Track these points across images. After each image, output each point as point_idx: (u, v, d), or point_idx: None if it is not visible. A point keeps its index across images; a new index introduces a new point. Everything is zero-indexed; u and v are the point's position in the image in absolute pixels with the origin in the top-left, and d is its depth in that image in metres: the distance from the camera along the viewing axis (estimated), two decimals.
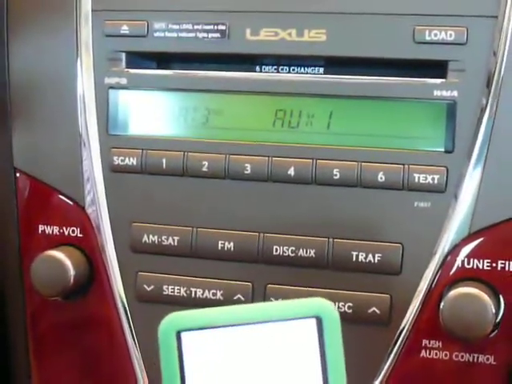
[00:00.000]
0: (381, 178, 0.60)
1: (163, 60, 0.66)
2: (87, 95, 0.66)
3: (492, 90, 0.57)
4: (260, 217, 0.64)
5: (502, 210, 0.58)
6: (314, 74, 0.64)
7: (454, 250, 0.59)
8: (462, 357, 0.59)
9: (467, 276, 0.58)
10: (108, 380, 0.69)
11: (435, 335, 0.60)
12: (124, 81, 0.65)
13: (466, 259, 0.59)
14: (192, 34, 0.64)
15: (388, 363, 0.61)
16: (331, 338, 0.46)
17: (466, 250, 0.59)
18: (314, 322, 0.46)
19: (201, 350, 0.47)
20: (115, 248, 0.66)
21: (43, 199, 0.68)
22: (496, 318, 0.57)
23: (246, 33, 0.63)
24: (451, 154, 0.59)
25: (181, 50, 0.65)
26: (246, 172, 0.63)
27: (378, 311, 0.61)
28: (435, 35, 0.58)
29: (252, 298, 0.64)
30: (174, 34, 0.64)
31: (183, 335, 0.46)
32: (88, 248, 0.66)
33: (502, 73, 0.57)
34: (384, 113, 0.61)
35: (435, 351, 0.60)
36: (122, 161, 0.65)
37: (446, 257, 0.59)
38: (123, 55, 0.65)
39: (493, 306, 0.56)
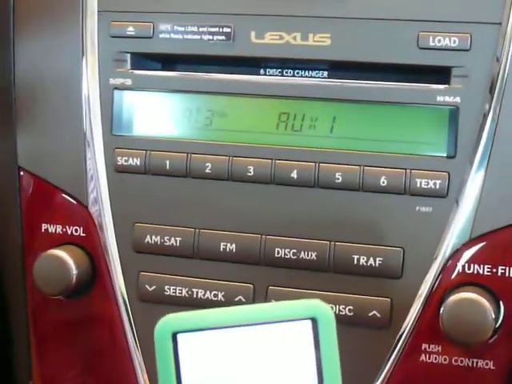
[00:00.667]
0: (383, 183, 0.60)
1: (168, 61, 0.66)
2: (92, 95, 0.66)
3: (495, 96, 0.57)
4: (262, 219, 0.64)
5: (503, 216, 0.58)
6: (318, 77, 0.64)
7: (455, 254, 0.59)
8: (462, 361, 0.59)
9: (467, 281, 0.59)
10: (108, 379, 0.69)
11: (435, 339, 0.60)
12: (129, 82, 0.66)
13: (466, 264, 0.59)
14: (197, 36, 0.64)
15: (388, 367, 0.62)
16: (326, 340, 0.47)
17: (467, 255, 0.59)
18: (309, 323, 0.46)
19: (197, 352, 0.47)
20: (118, 248, 0.66)
21: (47, 198, 0.68)
22: (496, 324, 0.57)
23: (251, 36, 0.63)
24: (453, 159, 0.59)
25: (186, 52, 0.65)
26: (248, 174, 0.63)
27: (378, 315, 0.61)
28: (439, 41, 0.59)
29: (253, 300, 0.64)
30: (180, 36, 0.64)
31: (179, 337, 0.46)
32: (91, 247, 0.67)
33: (505, 79, 0.58)
34: (387, 117, 0.61)
35: (435, 355, 0.60)
36: (125, 161, 0.66)
37: (447, 261, 0.59)
38: (128, 56, 0.66)
39: (492, 312, 0.56)
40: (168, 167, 0.64)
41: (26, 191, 0.69)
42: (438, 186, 0.59)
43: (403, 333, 0.61)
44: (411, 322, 0.60)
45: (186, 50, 0.65)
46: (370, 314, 0.61)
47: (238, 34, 0.63)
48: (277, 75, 0.65)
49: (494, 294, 0.58)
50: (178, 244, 0.65)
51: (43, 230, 0.68)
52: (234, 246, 0.64)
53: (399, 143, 0.61)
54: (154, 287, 0.66)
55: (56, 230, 0.68)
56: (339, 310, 0.61)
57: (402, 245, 0.60)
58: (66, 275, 0.65)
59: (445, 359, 0.60)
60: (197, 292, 0.65)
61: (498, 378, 0.59)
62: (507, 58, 0.58)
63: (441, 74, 0.59)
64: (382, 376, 0.61)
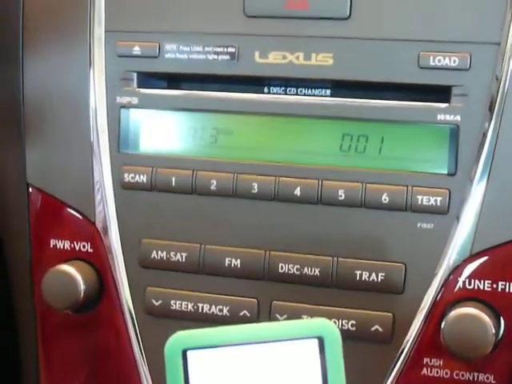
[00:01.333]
0: (385, 200, 0.60)
1: (174, 80, 0.66)
2: (99, 113, 0.66)
3: (494, 114, 0.58)
4: (266, 235, 0.64)
5: (504, 232, 0.58)
6: (321, 96, 0.64)
7: (456, 270, 0.59)
8: (463, 375, 0.60)
9: (468, 296, 0.59)
10: None
11: (436, 353, 0.60)
12: (135, 100, 0.66)
13: (467, 280, 0.59)
14: (202, 56, 0.64)
15: (390, 380, 0.62)
16: (333, 358, 0.47)
17: (468, 270, 0.59)
18: (315, 342, 0.47)
19: (206, 369, 0.47)
20: (125, 263, 0.67)
21: (55, 214, 0.69)
22: (496, 338, 0.57)
23: (255, 55, 0.63)
24: (454, 176, 0.59)
25: (191, 71, 0.65)
26: (253, 191, 0.63)
27: (380, 329, 0.61)
28: (439, 61, 0.59)
29: (258, 315, 0.64)
30: (185, 56, 0.64)
31: (189, 354, 0.47)
32: (98, 263, 0.67)
33: (504, 97, 0.58)
34: (388, 135, 0.62)
35: (436, 369, 0.60)
36: (132, 178, 0.66)
37: (448, 277, 0.60)
38: (135, 75, 0.66)
39: (493, 327, 0.56)
40: (174, 184, 0.65)
41: (35, 207, 0.69)
42: (438, 203, 0.59)
43: (405, 347, 0.61)
44: (413, 336, 0.61)
45: (192, 69, 0.65)
46: (373, 329, 0.61)
47: (242, 54, 0.63)
48: (280, 93, 0.65)
49: (495, 309, 0.58)
50: (183, 259, 0.65)
51: (51, 246, 0.68)
52: (238, 261, 0.64)
53: (400, 160, 0.62)
54: (160, 302, 0.66)
55: (64, 246, 0.68)
56: (342, 325, 0.62)
57: (404, 260, 0.61)
58: (74, 290, 0.65)
59: (446, 373, 0.60)
60: (202, 306, 0.65)
61: None
62: (506, 77, 0.58)
63: (441, 93, 0.59)
64: None
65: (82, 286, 0.65)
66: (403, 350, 0.61)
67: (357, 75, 0.61)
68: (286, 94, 0.65)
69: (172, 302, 0.66)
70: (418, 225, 0.60)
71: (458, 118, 0.59)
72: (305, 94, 0.64)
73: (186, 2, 0.65)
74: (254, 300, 0.64)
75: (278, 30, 0.63)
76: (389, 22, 0.61)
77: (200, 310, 0.65)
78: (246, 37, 0.64)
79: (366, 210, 0.61)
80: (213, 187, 0.64)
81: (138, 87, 0.66)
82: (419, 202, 0.60)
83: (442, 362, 0.60)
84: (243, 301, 0.65)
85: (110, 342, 0.68)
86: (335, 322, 0.61)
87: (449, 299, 0.60)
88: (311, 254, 0.63)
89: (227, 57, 0.64)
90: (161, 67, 0.65)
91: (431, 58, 0.59)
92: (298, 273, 0.63)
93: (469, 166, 0.58)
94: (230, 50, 0.64)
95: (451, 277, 0.60)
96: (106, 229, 0.67)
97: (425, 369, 0.61)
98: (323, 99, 0.63)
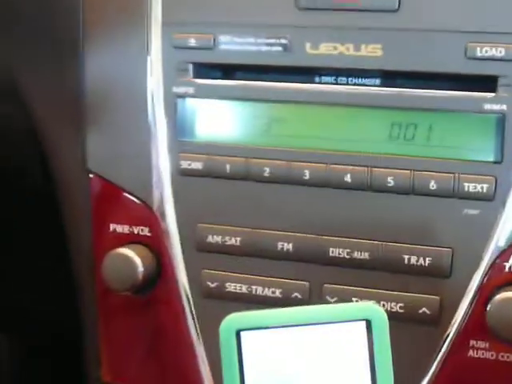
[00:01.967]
0: (432, 186, 0.61)
1: (228, 70, 0.67)
2: (157, 103, 0.67)
3: None
4: (317, 220, 0.64)
5: None
6: (371, 85, 0.64)
7: (502, 255, 0.60)
8: (508, 357, 0.60)
9: None
10: (172, 368, 0.71)
11: (482, 336, 0.61)
12: (191, 90, 0.66)
13: None
14: (256, 47, 0.65)
15: (437, 361, 0.62)
16: (379, 340, 0.48)
17: None
18: (363, 324, 0.48)
19: (258, 349, 0.49)
20: (181, 246, 0.68)
21: (114, 200, 0.70)
22: None
23: (306, 47, 0.63)
24: (500, 164, 0.59)
25: (245, 62, 0.66)
26: (304, 178, 0.64)
27: (428, 311, 0.62)
28: (486, 52, 0.59)
29: (309, 297, 0.65)
30: (239, 47, 0.65)
31: (242, 334, 0.48)
32: (156, 246, 0.68)
33: None
34: (436, 124, 0.62)
35: (482, 351, 0.61)
36: (188, 165, 0.67)
37: (494, 261, 0.60)
38: (190, 66, 0.67)
39: None
40: (228, 171, 0.66)
41: (96, 193, 0.71)
42: (485, 190, 0.60)
43: (452, 329, 0.62)
44: (460, 318, 0.61)
45: (245, 60, 0.65)
46: (420, 311, 0.62)
47: (294, 45, 0.64)
48: (331, 83, 0.65)
49: None
50: (238, 243, 0.66)
51: (111, 230, 0.70)
52: (290, 245, 0.65)
53: (448, 149, 0.62)
54: (215, 284, 0.67)
55: (123, 230, 0.70)
56: (391, 307, 0.62)
57: (451, 245, 0.61)
58: (133, 273, 0.67)
59: (492, 355, 0.61)
60: (256, 289, 0.66)
61: None
62: None
63: (488, 83, 0.59)
64: (432, 370, 0.62)
65: (141, 269, 0.66)
66: (450, 332, 0.62)
67: (405, 66, 0.62)
68: (336, 83, 0.65)
69: (227, 285, 0.67)
70: (465, 211, 0.61)
71: (505, 107, 0.59)
72: (355, 84, 0.65)
73: None
74: (306, 283, 0.65)
75: (328, 22, 0.63)
76: (436, 14, 0.61)
77: (253, 292, 0.66)
78: (298, 28, 0.64)
79: (414, 197, 0.62)
80: (266, 174, 0.65)
81: (194, 77, 0.66)
82: (466, 189, 0.60)
83: (487, 345, 0.61)
84: (295, 283, 0.66)
85: (167, 322, 0.69)
86: (384, 305, 0.62)
87: (495, 283, 0.60)
88: (361, 238, 0.63)
89: (280, 48, 0.64)
90: (215, 58, 0.66)
91: (478, 48, 0.59)
92: (348, 257, 0.63)
93: None
94: (283, 41, 0.64)
95: (497, 261, 0.60)
96: (163, 214, 0.68)
97: (471, 351, 0.61)
98: (372, 89, 0.63)
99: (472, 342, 0.61)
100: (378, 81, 0.64)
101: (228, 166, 0.66)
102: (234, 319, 0.49)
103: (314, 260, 0.65)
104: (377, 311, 0.49)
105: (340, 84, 0.65)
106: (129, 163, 0.69)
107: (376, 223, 0.63)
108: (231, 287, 0.67)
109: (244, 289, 0.67)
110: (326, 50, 0.63)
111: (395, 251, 0.62)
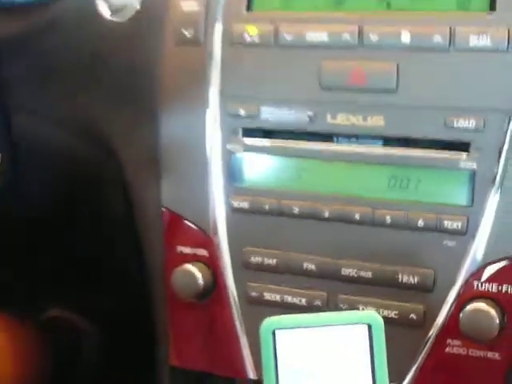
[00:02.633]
0: (420, 224, 0.65)
1: (268, 133, 0.70)
2: (215, 156, 0.72)
3: (501, 162, 0.62)
4: (333, 247, 0.68)
5: (508, 249, 0.63)
6: (375, 146, 0.67)
7: (472, 276, 0.64)
8: (476, 353, 0.65)
9: (481, 295, 0.64)
10: (223, 358, 0.74)
11: (456, 336, 0.65)
12: (240, 147, 0.71)
13: (480, 283, 0.64)
14: (289, 117, 0.68)
15: (421, 356, 0.66)
16: (378, 340, 0.52)
17: (481, 276, 0.64)
18: (366, 327, 0.52)
19: (288, 343, 0.52)
20: (231, 265, 0.72)
21: (181, 228, 0.74)
22: (500, 326, 0.62)
23: (327, 117, 0.68)
24: (471, 207, 0.63)
25: (280, 128, 0.69)
26: (324, 215, 0.68)
27: (415, 318, 0.66)
28: (461, 123, 0.63)
29: (326, 305, 0.69)
30: (276, 116, 0.69)
31: (277, 332, 0.52)
32: (212, 264, 0.72)
33: (506, 151, 0.62)
34: (424, 176, 0.65)
35: (456, 348, 0.65)
36: (237, 204, 0.71)
37: (467, 281, 0.64)
38: (240, 129, 0.71)
39: (498, 318, 0.62)
40: (267, 209, 0.70)
41: (166, 223, 0.75)
42: (459, 227, 0.64)
43: (433, 331, 0.66)
44: (439, 323, 0.65)
45: (281, 126, 0.69)
46: (410, 317, 0.66)
47: (317, 116, 0.68)
48: (345, 144, 0.68)
49: (500, 305, 0.63)
50: (274, 263, 0.70)
51: (178, 251, 0.74)
52: (313, 265, 0.69)
53: (433, 195, 0.65)
54: (256, 293, 0.71)
55: (187, 251, 0.74)
56: (387, 314, 0.66)
57: (434, 268, 0.65)
58: (195, 284, 0.71)
59: (463, 350, 0.65)
60: (286, 298, 0.70)
61: (503, 366, 0.64)
62: (510, 137, 0.61)
63: (462, 146, 0.63)
64: (417, 362, 0.66)
65: (201, 281, 0.71)
66: (432, 333, 0.66)
67: (401, 132, 0.65)
68: (349, 144, 0.68)
69: (265, 294, 0.71)
70: (444, 242, 0.65)
71: (475, 165, 0.63)
72: (363, 145, 0.67)
73: (279, 77, 0.69)
74: (324, 294, 0.69)
75: (343, 99, 0.67)
76: (423, 94, 0.64)
77: (285, 301, 0.70)
78: (321, 103, 0.68)
79: (406, 231, 0.66)
80: (295, 211, 0.69)
81: (242, 137, 0.71)
82: (445, 226, 0.64)
83: (460, 343, 0.65)
84: (316, 294, 0.69)
85: (219, 321, 0.73)
86: (383, 312, 0.65)
87: (466, 297, 0.64)
88: (365, 261, 0.67)
89: (307, 118, 0.68)
90: (259, 124, 0.70)
91: (455, 121, 0.63)
92: (356, 275, 0.67)
93: (482, 199, 0.63)
94: (309, 113, 0.68)
95: (469, 280, 0.64)
96: (218, 239, 0.72)
97: (447, 348, 0.65)
98: (376, 149, 0.67)
99: (448, 341, 0.65)
100: (380, 143, 0.67)
101: (267, 206, 0.70)
102: (270, 321, 0.53)
103: (331, 277, 0.68)
104: (375, 317, 0.53)
105: (352, 145, 0.68)
106: (193, 201, 0.72)
107: (377, 250, 0.67)
108: (268, 296, 0.71)
109: (278, 298, 0.70)
110: (342, 120, 0.67)
111: (391, 271, 0.66)
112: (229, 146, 0.71)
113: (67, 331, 1.02)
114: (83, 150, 0.83)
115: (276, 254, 0.70)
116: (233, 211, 0.72)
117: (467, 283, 0.64)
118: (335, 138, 0.69)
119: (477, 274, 0.64)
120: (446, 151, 0.64)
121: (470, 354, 0.65)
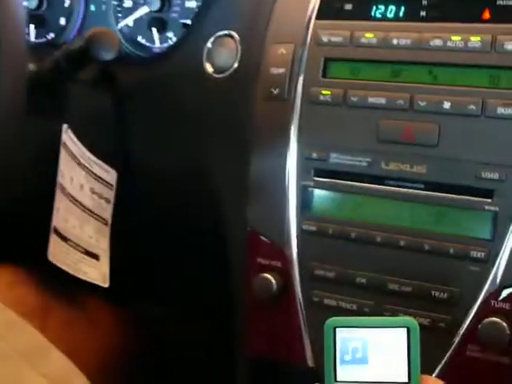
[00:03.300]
0: (451, 252, 0.73)
1: (335, 173, 0.80)
2: (291, 189, 0.81)
3: None
4: (382, 265, 0.77)
5: None
6: (419, 189, 0.76)
7: (491, 296, 0.72)
8: (491, 357, 0.73)
9: (496, 311, 0.72)
10: (290, 349, 0.82)
11: (476, 342, 0.73)
12: (312, 184, 0.80)
13: (497, 301, 0.72)
14: (351, 162, 0.79)
15: (446, 357, 0.74)
16: (414, 341, 0.56)
17: (499, 296, 0.71)
18: (405, 330, 0.56)
19: (345, 338, 0.57)
20: (299, 275, 0.80)
21: (261, 244, 0.82)
22: (510, 337, 0.70)
23: (382, 164, 0.77)
24: (493, 241, 0.72)
25: (344, 170, 0.79)
26: (377, 240, 0.77)
27: (443, 325, 0.74)
28: (487, 175, 0.72)
29: (374, 311, 0.77)
30: (342, 161, 0.79)
31: (337, 330, 0.57)
32: (284, 274, 0.80)
33: None
34: (457, 215, 0.74)
35: (475, 352, 0.73)
36: (307, 227, 0.80)
37: (486, 299, 0.72)
38: (312, 170, 0.80)
39: (508, 330, 0.70)
40: (330, 232, 0.79)
41: (250, 240, 0.84)
42: (483, 256, 0.72)
43: (457, 338, 0.74)
44: (462, 331, 0.74)
45: (345, 168, 0.79)
46: (439, 325, 0.74)
47: (374, 163, 0.77)
48: (396, 186, 0.77)
49: (511, 320, 0.71)
50: (332, 276, 0.79)
51: (258, 262, 0.83)
52: (364, 280, 0.78)
53: (463, 229, 0.74)
54: (319, 299, 0.80)
55: (265, 262, 0.82)
56: (422, 321, 0.74)
57: (460, 288, 0.73)
58: (270, 289, 0.80)
59: (481, 355, 0.73)
60: (342, 303, 0.79)
61: None
62: None
63: (488, 193, 0.72)
64: (443, 362, 0.74)
65: (275, 287, 0.80)
66: (456, 339, 0.74)
67: (439, 178, 0.74)
68: (398, 187, 0.77)
69: (325, 300, 0.80)
70: (470, 267, 0.73)
71: (497, 208, 0.71)
72: (409, 187, 0.77)
73: (345, 130, 0.78)
74: (372, 303, 0.78)
75: (395, 150, 0.76)
76: (459, 150, 0.73)
77: (341, 306, 0.79)
78: (377, 153, 0.77)
79: (440, 257, 0.74)
80: (352, 236, 0.79)
81: (314, 176, 0.80)
82: (471, 255, 0.73)
83: (478, 348, 0.73)
84: (366, 303, 0.78)
85: (288, 320, 0.81)
86: (418, 319, 0.68)
87: (485, 312, 0.72)
88: (406, 279, 0.75)
89: (365, 164, 0.78)
90: (327, 166, 0.79)
91: (483, 173, 0.72)
92: (399, 289, 0.76)
93: (502, 235, 0.71)
94: (368, 159, 0.78)
95: (488, 299, 0.72)
96: (290, 254, 0.81)
97: (468, 351, 0.73)
98: (420, 192, 0.75)
99: (469, 346, 0.73)
100: (422, 186, 0.75)
101: (330, 230, 0.79)
102: (332, 320, 0.57)
103: (378, 290, 0.77)
104: (413, 322, 0.56)
105: (401, 187, 0.77)
106: (272, 223, 0.82)
107: (416, 270, 0.75)
108: (327, 302, 0.79)
109: (335, 303, 0.79)
110: (393, 167, 0.76)
111: (426, 288, 0.75)
112: (303, 182, 0.80)
113: (155, 324, 1.08)
114: (195, 180, 0.91)
115: (335, 269, 0.79)
116: (303, 233, 0.80)
117: (486, 301, 0.72)
118: (387, 181, 0.78)
119: (495, 294, 0.71)
120: (474, 197, 0.73)
121: (486, 357, 0.73)
